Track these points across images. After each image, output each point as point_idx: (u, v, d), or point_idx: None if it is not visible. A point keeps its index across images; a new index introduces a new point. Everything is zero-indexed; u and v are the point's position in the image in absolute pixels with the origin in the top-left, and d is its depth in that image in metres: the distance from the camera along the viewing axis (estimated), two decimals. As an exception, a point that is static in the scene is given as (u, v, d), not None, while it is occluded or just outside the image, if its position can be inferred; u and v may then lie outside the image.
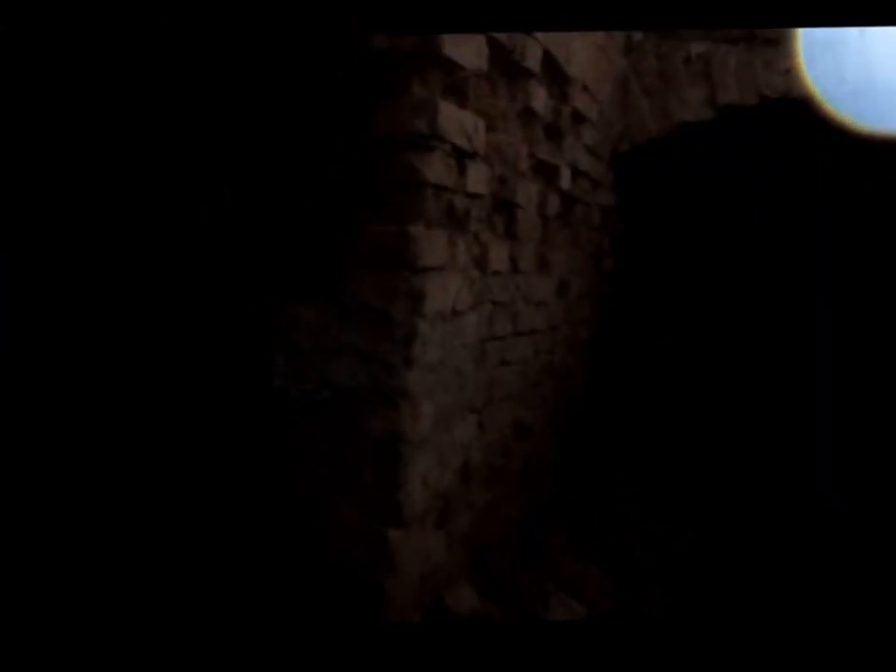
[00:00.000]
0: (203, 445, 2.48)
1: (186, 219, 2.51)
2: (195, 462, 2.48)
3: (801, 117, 4.89)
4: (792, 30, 4.67)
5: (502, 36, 2.53)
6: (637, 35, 4.82)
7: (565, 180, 3.61)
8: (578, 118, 3.70)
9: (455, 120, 2.25)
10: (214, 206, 2.43)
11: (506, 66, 2.72)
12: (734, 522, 4.35)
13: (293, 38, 2.27)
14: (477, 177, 2.51)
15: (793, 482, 4.75)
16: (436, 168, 2.21)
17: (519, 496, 3.64)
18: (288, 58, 2.33)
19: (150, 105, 2.57)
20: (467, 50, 2.28)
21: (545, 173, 3.40)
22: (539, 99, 3.05)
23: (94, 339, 2.67)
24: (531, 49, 2.84)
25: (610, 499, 4.77)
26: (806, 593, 3.41)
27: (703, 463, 5.07)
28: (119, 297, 2.64)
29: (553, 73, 3.22)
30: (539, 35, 2.90)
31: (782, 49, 4.70)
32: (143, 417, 2.58)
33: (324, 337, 2.28)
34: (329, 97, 2.25)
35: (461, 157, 2.39)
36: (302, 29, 2.21)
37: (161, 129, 2.57)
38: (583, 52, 3.61)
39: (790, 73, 4.70)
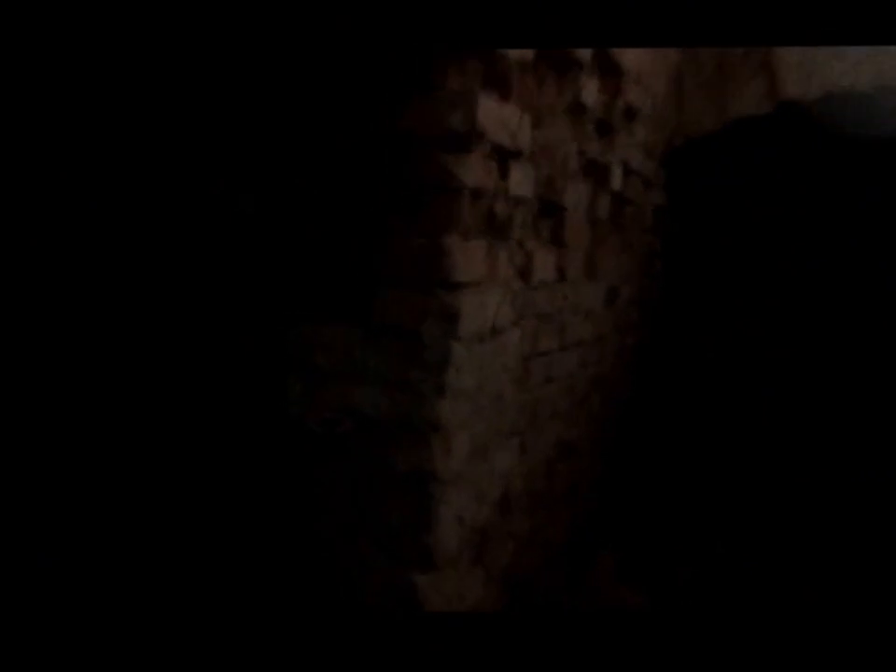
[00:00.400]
0: (214, 475, 2.26)
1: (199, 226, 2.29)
2: (205, 495, 2.26)
3: (868, 112, 4.54)
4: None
5: (550, 22, 2.25)
6: (695, 24, 4.49)
7: (616, 180, 3.32)
8: (630, 113, 3.41)
9: (497, 116, 1.98)
10: (229, 211, 2.21)
11: (554, 56, 2.45)
12: (798, 549, 4.03)
13: (311, 21, 2.03)
14: (521, 179, 2.24)
15: (871, 512, 4.41)
16: (474, 170, 1.95)
17: (563, 518, 3.38)
18: (306, 45, 2.09)
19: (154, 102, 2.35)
20: (511, 37, 2.02)
21: (595, 172, 3.12)
22: (590, 92, 2.77)
23: (109, 350, 2.47)
24: (582, 37, 2.56)
25: (659, 519, 4.49)
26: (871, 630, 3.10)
27: (763, 480, 4.75)
28: (124, 297, 2.43)
29: (606, 64, 2.94)
30: (591, 21, 2.62)
31: (853, 37, 4.34)
32: (143, 447, 2.37)
33: (346, 360, 2.03)
34: (352, 89, 2.01)
35: (503, 157, 2.12)
36: (321, 10, 1.97)
37: (161, 123, 2.35)
38: (638, 41, 3.32)
39: (857, 65, 4.36)
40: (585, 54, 2.60)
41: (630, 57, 3.16)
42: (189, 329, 2.31)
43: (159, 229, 2.38)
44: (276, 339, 2.13)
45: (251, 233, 2.20)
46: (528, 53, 2.16)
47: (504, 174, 2.14)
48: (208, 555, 2.26)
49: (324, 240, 2.07)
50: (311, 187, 2.10)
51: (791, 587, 3.62)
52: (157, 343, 2.36)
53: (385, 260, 1.98)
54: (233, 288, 2.22)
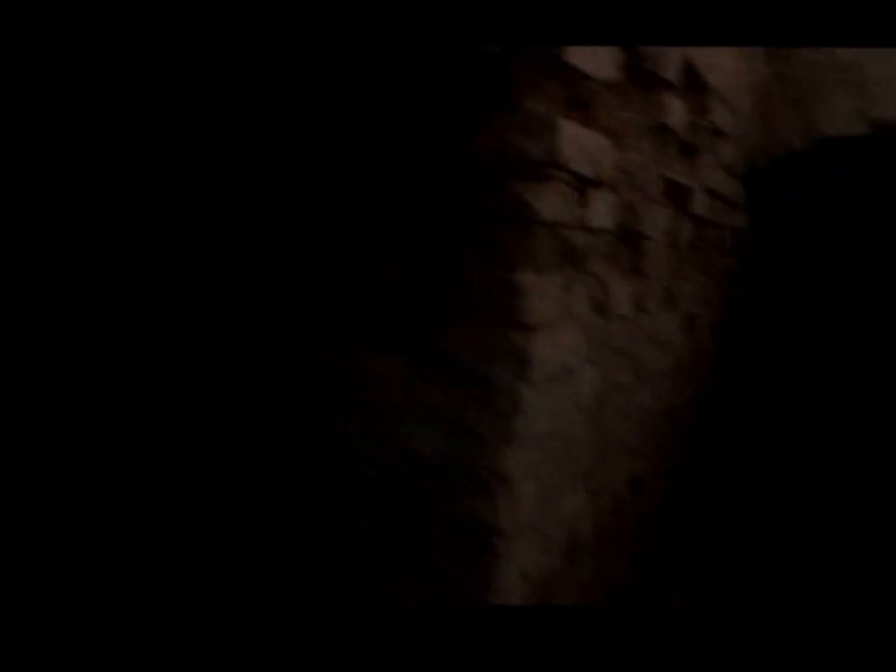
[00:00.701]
0: (267, 504, 2.15)
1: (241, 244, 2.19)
2: (257, 524, 2.16)
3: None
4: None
5: (637, 39, 2.09)
6: (785, 37, 4.25)
7: (698, 204, 3.13)
8: (716, 132, 3.22)
9: (579, 143, 1.83)
10: (289, 240, 2.10)
11: (639, 75, 2.29)
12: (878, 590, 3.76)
13: (378, 38, 1.91)
14: (601, 209, 2.09)
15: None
16: (551, 201, 1.80)
17: (628, 555, 3.19)
18: (372, 61, 1.97)
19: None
20: (595, 57, 1.86)
21: (677, 196, 2.93)
22: (676, 113, 2.59)
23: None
24: (670, 56, 2.38)
25: (729, 554, 4.26)
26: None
27: (838, 515, 4.47)
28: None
29: (692, 82, 2.76)
30: (679, 36, 2.44)
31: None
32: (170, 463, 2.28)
33: (405, 398, 1.90)
34: (421, 109, 1.88)
35: (583, 185, 1.97)
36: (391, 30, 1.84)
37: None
38: (725, 58, 3.12)
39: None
40: (673, 72, 2.43)
41: (716, 73, 2.97)
42: (247, 360, 2.21)
43: (206, 248, 2.29)
44: (331, 368, 2.01)
45: (308, 254, 2.09)
46: (612, 72, 2.00)
47: (584, 203, 1.99)
48: (242, 596, 2.15)
49: (384, 265, 1.95)
50: (373, 206, 1.98)
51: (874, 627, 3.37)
52: (211, 366, 2.27)
53: (453, 293, 1.84)
54: (284, 310, 2.11)
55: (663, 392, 3.22)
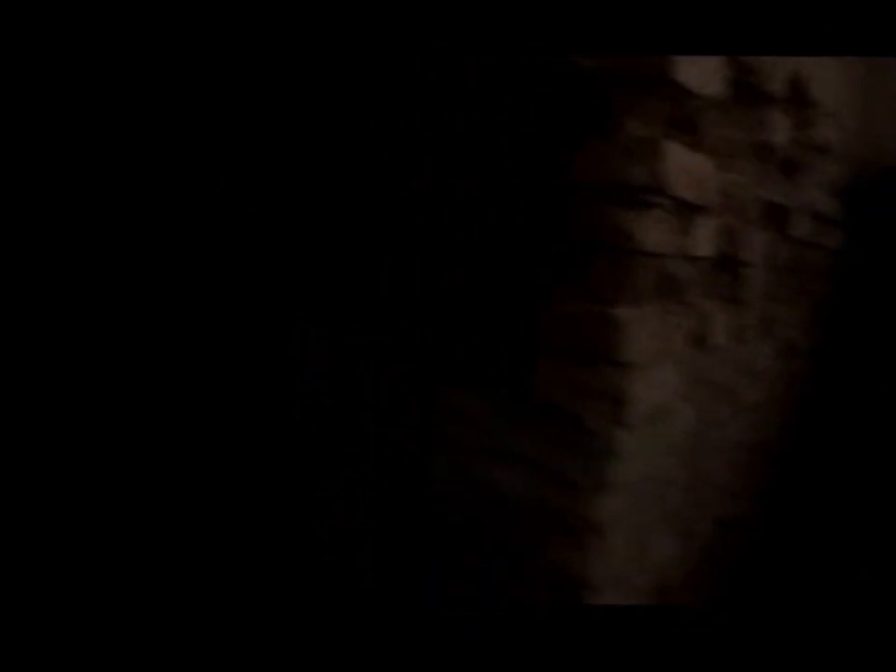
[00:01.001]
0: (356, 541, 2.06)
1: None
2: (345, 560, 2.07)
3: None
4: None
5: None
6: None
7: (798, 225, 2.94)
8: (818, 149, 3.02)
9: (684, 166, 1.69)
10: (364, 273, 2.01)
11: (744, 91, 2.13)
12: None
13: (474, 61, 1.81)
14: (703, 236, 1.94)
15: None
16: (654, 230, 1.66)
17: (716, 599, 3.01)
18: (469, 81, 1.86)
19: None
20: (702, 72, 1.72)
21: (776, 218, 2.75)
22: (781, 130, 2.41)
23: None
24: (777, 70, 2.22)
25: (825, 594, 4.00)
26: None
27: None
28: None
29: (797, 96, 2.58)
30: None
31: None
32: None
33: (492, 437, 1.78)
34: (512, 132, 1.76)
35: (685, 211, 1.82)
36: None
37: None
38: (830, 70, 2.93)
39: None
40: (780, 86, 2.26)
41: (821, 85, 2.78)
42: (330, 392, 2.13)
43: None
44: (422, 405, 1.90)
45: (389, 281, 1.99)
46: (718, 89, 1.85)
47: (686, 230, 1.84)
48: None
49: (473, 298, 1.83)
50: (454, 232, 1.87)
51: None
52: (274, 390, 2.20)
53: (543, 328, 1.72)
54: (367, 342, 2.02)
55: (755, 424, 3.03)
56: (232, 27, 2.23)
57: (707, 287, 2.14)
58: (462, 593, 1.84)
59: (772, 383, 3.14)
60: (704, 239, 1.94)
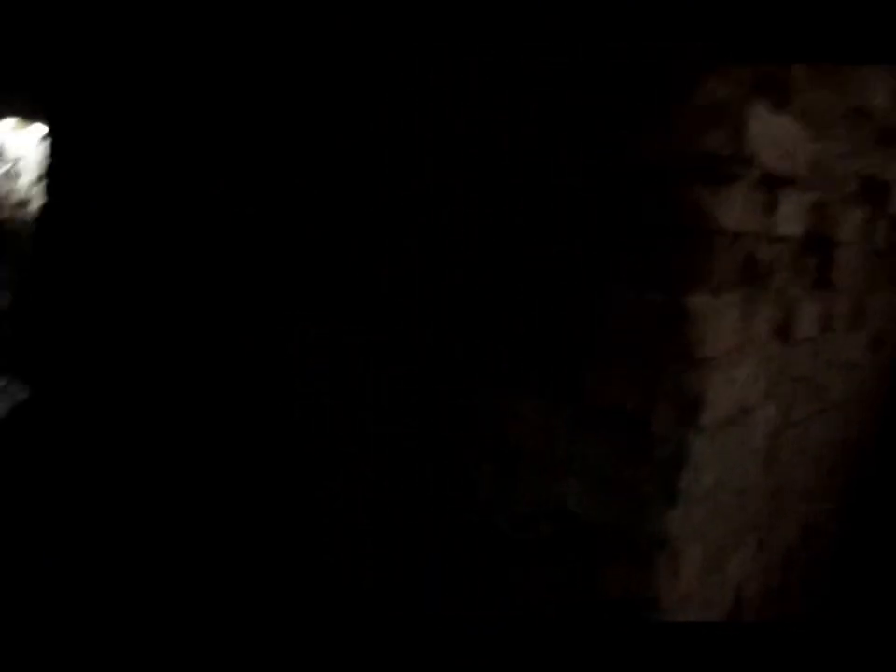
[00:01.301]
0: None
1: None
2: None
3: None
4: None
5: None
6: None
7: (896, 201, 2.65)
8: (921, 115, 2.71)
9: (771, 132, 1.47)
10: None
11: (840, 48, 1.88)
12: None
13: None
14: (791, 213, 1.71)
15: None
16: (734, 207, 1.44)
17: (794, 612, 2.77)
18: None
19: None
20: (792, 25, 1.48)
21: (873, 192, 2.48)
22: (879, 94, 2.15)
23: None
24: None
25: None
26: None
27: None
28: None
29: (898, 56, 2.30)
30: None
31: None
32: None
33: (549, 446, 1.60)
34: (559, 103, 1.56)
35: (772, 185, 1.60)
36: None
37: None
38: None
39: None
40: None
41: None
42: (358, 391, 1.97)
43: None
44: (463, 411, 1.73)
45: (430, 278, 1.81)
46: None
47: (772, 207, 1.62)
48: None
49: (525, 291, 1.65)
50: (508, 228, 1.68)
51: None
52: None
53: (604, 323, 1.52)
54: (405, 345, 1.85)
55: (841, 422, 2.77)
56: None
57: (793, 272, 1.91)
58: (508, 608, 1.67)
59: (862, 377, 2.87)
60: (791, 217, 1.71)
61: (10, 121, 5.72)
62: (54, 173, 3.35)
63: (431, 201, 1.81)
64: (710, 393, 1.49)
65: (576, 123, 1.57)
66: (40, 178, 3.36)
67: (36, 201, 3.30)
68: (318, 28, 2.01)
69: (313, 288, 2.09)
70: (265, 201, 2.22)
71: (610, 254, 1.53)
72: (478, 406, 1.69)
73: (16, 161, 5.96)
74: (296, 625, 1.94)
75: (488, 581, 1.68)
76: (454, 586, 1.73)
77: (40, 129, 4.94)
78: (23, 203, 5.64)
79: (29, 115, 4.59)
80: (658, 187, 1.44)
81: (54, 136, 3.35)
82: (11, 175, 5.99)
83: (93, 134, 2.99)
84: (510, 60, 1.70)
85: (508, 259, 1.71)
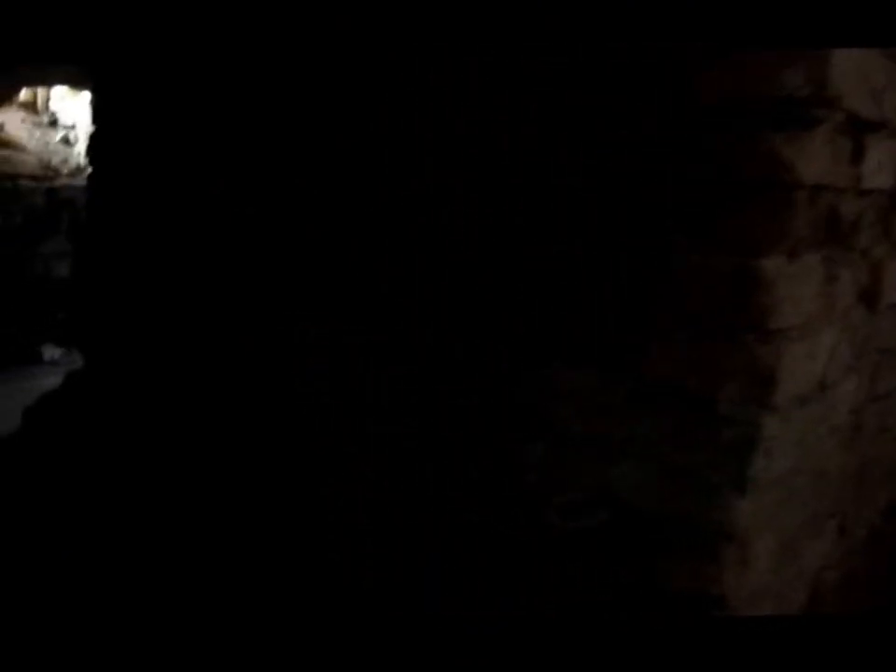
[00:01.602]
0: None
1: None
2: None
3: None
4: None
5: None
6: None
7: None
8: None
9: (857, 69, 1.28)
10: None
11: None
12: None
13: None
14: (880, 162, 1.51)
15: None
16: (816, 156, 1.26)
17: (873, 599, 2.58)
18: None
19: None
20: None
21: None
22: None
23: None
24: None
25: None
26: None
27: None
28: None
29: None
30: None
31: None
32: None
33: (603, 425, 1.45)
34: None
35: (859, 131, 1.40)
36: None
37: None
38: None
39: None
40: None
41: None
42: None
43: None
44: (507, 382, 1.59)
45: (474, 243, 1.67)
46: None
47: (857, 156, 1.42)
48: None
49: (575, 254, 1.49)
50: (550, 181, 1.53)
51: None
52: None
53: (663, 291, 1.36)
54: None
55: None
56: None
57: (881, 230, 1.71)
58: (552, 604, 1.54)
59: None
60: (880, 167, 1.51)
61: (63, 89, 5.74)
62: (98, 140, 3.30)
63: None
64: (785, 367, 1.32)
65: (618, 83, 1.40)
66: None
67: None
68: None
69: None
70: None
71: (672, 214, 1.36)
72: (522, 384, 1.55)
73: (71, 127, 5.99)
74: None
75: (532, 573, 1.55)
76: (487, 580, 1.61)
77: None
78: (80, 170, 5.67)
79: (79, 82, 4.57)
80: (725, 136, 1.27)
81: (97, 103, 3.30)
82: (68, 141, 6.03)
83: (132, 101, 2.93)
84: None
85: (563, 223, 1.56)
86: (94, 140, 3.27)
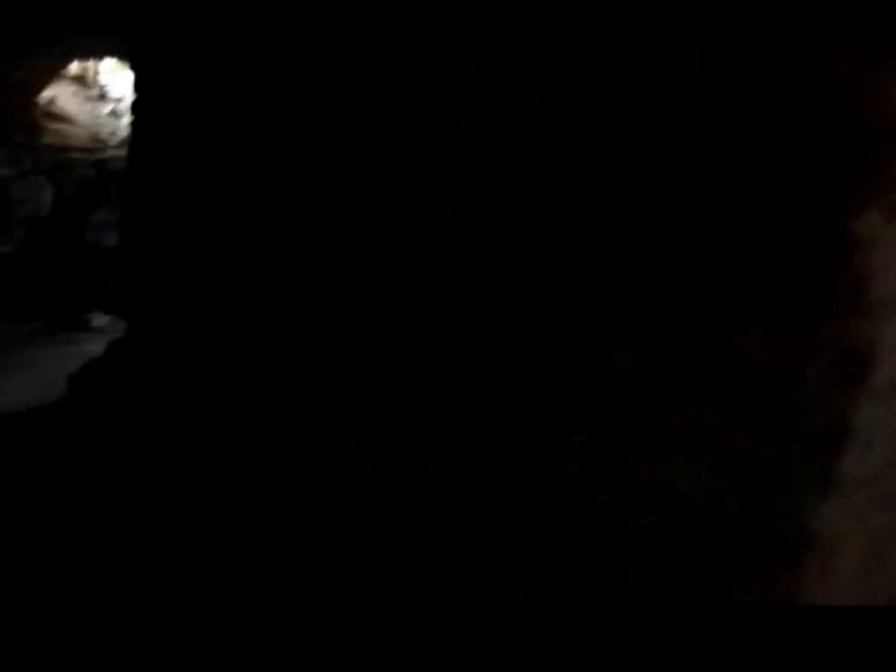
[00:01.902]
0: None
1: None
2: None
3: None
4: None
5: None
6: None
7: None
8: None
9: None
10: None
11: None
12: None
13: None
14: None
15: None
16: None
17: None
18: None
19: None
20: None
21: None
22: None
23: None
24: None
25: None
26: None
27: None
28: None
29: None
30: None
31: None
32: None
33: (656, 411, 1.27)
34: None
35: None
36: None
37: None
38: None
39: None
40: None
41: None
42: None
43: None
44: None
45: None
46: None
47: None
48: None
49: (632, 221, 1.30)
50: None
51: None
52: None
53: (732, 254, 1.16)
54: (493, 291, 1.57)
55: None
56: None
57: None
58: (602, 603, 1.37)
59: None
60: None
61: (112, 62, 5.72)
62: (139, 111, 3.24)
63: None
64: (884, 346, 1.11)
65: None
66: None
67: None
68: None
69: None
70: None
71: (744, 166, 1.16)
72: (564, 365, 1.37)
73: (119, 99, 5.98)
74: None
75: (553, 568, 1.38)
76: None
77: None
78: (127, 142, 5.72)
79: (125, 55, 4.54)
80: (815, 59, 1.06)
81: (138, 75, 3.26)
82: (115, 114, 6.03)
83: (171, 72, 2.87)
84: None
85: (616, 185, 1.37)
86: (133, 109, 3.24)
